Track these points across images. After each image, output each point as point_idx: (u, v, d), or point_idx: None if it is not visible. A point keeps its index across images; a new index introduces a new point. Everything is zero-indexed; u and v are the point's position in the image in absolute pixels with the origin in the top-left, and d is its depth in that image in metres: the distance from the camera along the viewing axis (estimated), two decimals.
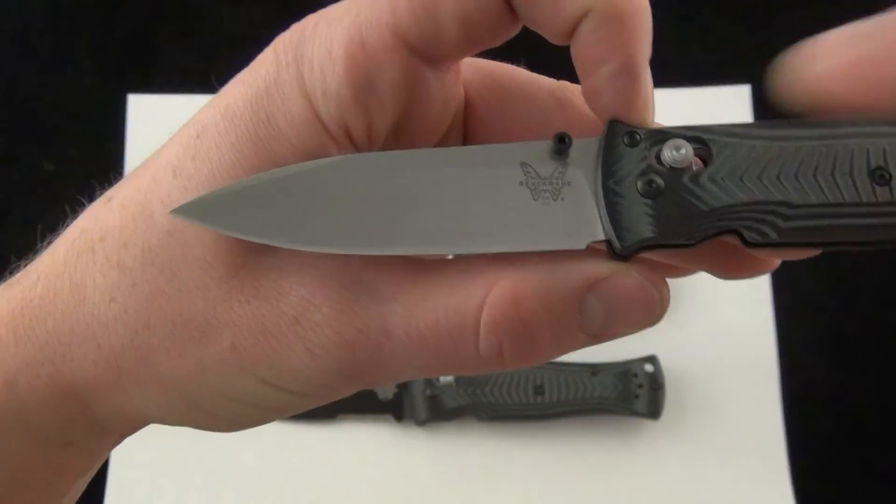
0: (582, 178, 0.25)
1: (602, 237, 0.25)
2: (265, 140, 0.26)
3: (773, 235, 0.24)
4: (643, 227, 0.25)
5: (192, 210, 0.25)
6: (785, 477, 0.68)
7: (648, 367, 0.69)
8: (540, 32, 0.26)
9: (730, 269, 0.29)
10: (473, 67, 0.29)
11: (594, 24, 0.25)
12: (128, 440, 0.30)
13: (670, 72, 0.74)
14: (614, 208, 0.25)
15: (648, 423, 0.70)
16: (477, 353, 0.25)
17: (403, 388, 0.70)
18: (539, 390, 0.69)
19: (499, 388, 0.69)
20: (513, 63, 0.30)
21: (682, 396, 0.70)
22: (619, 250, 0.25)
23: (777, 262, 0.29)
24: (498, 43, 0.27)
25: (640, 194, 0.25)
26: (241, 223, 0.25)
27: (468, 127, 0.30)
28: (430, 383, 0.69)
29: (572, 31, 0.25)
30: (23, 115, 0.82)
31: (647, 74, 0.26)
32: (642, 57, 0.26)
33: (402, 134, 0.27)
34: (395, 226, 0.25)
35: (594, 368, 0.69)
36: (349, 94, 0.25)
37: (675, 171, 0.25)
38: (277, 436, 0.70)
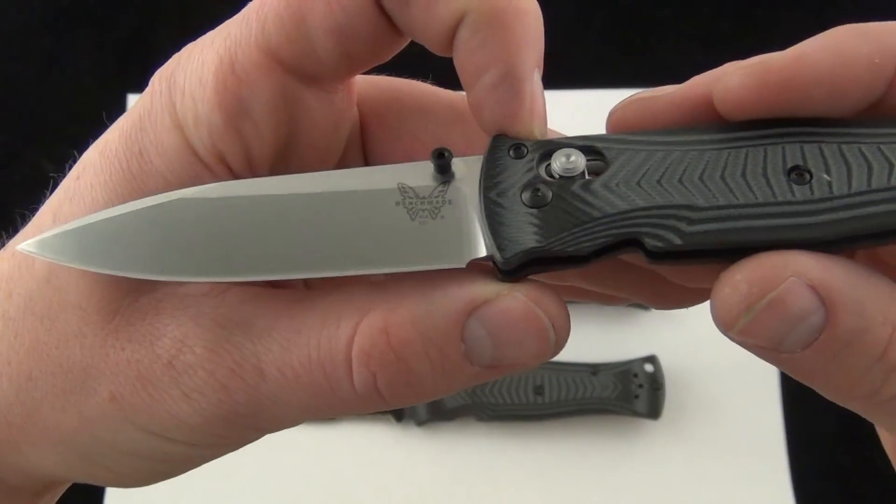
0: (465, 194, 0.24)
1: (484, 254, 0.24)
2: (138, 175, 0.25)
3: (677, 240, 0.23)
4: (527, 236, 0.23)
5: (45, 245, 0.24)
6: (785, 477, 0.68)
7: (648, 367, 0.69)
8: (421, 42, 0.25)
9: (654, 296, 0.28)
10: (369, 84, 0.28)
11: (471, 30, 0.24)
12: None
13: (670, 72, 0.74)
14: (496, 220, 0.24)
15: (648, 423, 0.70)
16: (353, 388, 0.23)
17: None
18: (539, 390, 0.69)
19: (499, 388, 0.69)
20: (421, 78, 0.29)
21: (682, 396, 0.70)
22: (501, 263, 0.23)
23: (701, 299, 0.27)
24: (383, 58, 0.26)
25: (526, 205, 0.24)
26: (93, 257, 0.24)
27: (367, 146, 0.28)
28: None
29: (451, 38, 0.24)
30: (23, 115, 0.82)
31: (532, 83, 0.24)
32: (525, 64, 0.24)
33: (290, 159, 0.26)
34: (267, 250, 0.24)
35: (594, 368, 0.69)
36: (221, 120, 0.24)
37: (565, 181, 0.24)
38: (277, 436, 0.70)
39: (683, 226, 0.23)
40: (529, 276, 0.24)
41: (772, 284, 0.22)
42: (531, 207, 0.24)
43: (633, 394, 0.68)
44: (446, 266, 0.24)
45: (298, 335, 0.24)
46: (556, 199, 0.24)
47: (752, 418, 0.70)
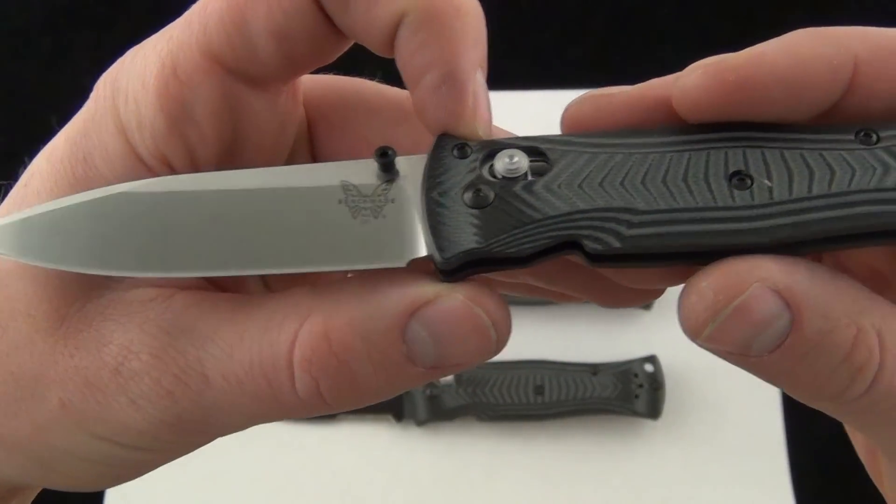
0: (408, 194, 0.24)
1: (425, 254, 0.23)
2: (83, 181, 0.25)
3: (616, 243, 0.23)
4: (467, 237, 0.23)
5: None
6: (785, 477, 0.68)
7: (648, 367, 0.69)
8: (363, 44, 0.25)
9: (603, 296, 0.27)
10: (315, 84, 0.28)
11: (411, 30, 0.23)
12: None
13: (670, 72, 0.74)
14: (437, 220, 0.23)
15: (648, 423, 0.70)
16: (296, 394, 0.23)
17: None
18: (539, 390, 0.69)
19: (499, 388, 0.69)
20: (371, 77, 0.29)
21: (682, 396, 0.70)
22: (441, 263, 0.23)
23: (651, 298, 0.27)
24: (327, 60, 0.26)
25: (467, 205, 0.24)
26: (32, 250, 0.24)
27: (314, 146, 0.28)
28: (429, 383, 0.69)
29: (392, 39, 0.24)
30: (23, 115, 0.82)
31: (475, 82, 0.24)
32: (467, 64, 0.24)
33: (236, 160, 0.26)
34: (207, 246, 0.24)
35: (594, 368, 0.69)
36: (164, 123, 0.24)
37: (507, 182, 0.24)
38: (277, 436, 0.70)
39: (623, 229, 0.23)
40: (472, 277, 0.24)
41: (737, 291, 0.22)
42: (472, 208, 0.23)
43: (633, 394, 0.68)
44: (387, 265, 0.23)
45: (241, 341, 0.23)
46: (498, 200, 0.23)
47: (752, 418, 0.70)
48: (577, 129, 0.25)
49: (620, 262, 0.23)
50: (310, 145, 0.28)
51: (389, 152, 0.24)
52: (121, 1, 0.85)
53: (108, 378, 0.24)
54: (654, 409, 0.68)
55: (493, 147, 0.24)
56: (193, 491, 0.69)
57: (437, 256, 0.23)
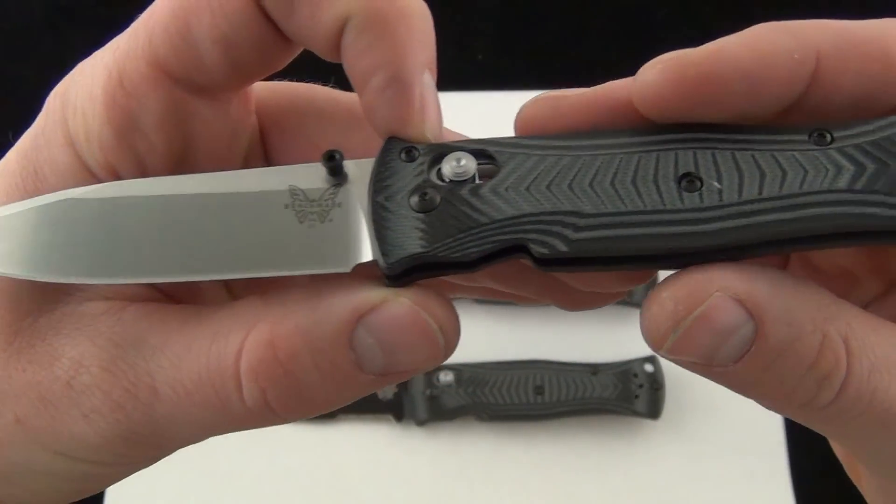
0: (355, 198, 0.24)
1: (370, 258, 0.23)
2: (33, 194, 0.25)
3: (562, 247, 0.22)
4: (412, 241, 0.23)
5: None
6: (785, 477, 0.68)
7: (648, 367, 0.69)
8: (310, 49, 0.25)
9: (561, 298, 0.27)
10: (268, 90, 0.28)
11: (355, 33, 0.23)
12: None
13: None
14: (382, 224, 0.23)
15: (648, 423, 0.70)
16: (244, 404, 0.23)
17: (403, 388, 0.70)
18: (539, 390, 0.69)
19: (499, 388, 0.69)
20: (326, 82, 0.28)
21: (682, 396, 0.70)
22: (385, 269, 0.23)
23: (609, 300, 0.27)
24: (276, 66, 0.26)
25: (413, 209, 0.23)
26: None
27: (268, 153, 0.28)
28: (430, 383, 0.69)
29: (338, 43, 0.24)
30: (23, 115, 0.82)
31: (422, 85, 0.24)
32: (413, 66, 0.24)
33: (187, 170, 0.26)
34: (154, 252, 0.24)
35: (594, 368, 0.69)
36: (111, 134, 0.24)
37: (454, 185, 0.24)
38: (277, 436, 0.70)
39: (570, 232, 0.23)
40: (419, 281, 0.24)
41: (697, 300, 0.22)
42: (418, 212, 0.23)
43: (633, 394, 0.68)
44: (332, 270, 0.23)
45: (189, 352, 0.23)
46: (444, 204, 0.23)
47: (752, 418, 0.70)
48: (530, 132, 0.25)
49: (569, 266, 0.23)
50: (264, 152, 0.28)
51: (336, 156, 0.24)
52: (121, 1, 0.85)
53: (60, 392, 0.24)
54: (654, 409, 0.68)
55: (441, 150, 0.24)
56: (193, 491, 0.69)
57: (381, 261, 0.23)
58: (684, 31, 0.83)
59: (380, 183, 0.24)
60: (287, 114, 0.28)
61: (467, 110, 0.69)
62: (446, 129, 0.26)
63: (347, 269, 0.23)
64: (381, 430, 0.70)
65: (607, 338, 0.71)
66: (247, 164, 0.28)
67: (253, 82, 0.27)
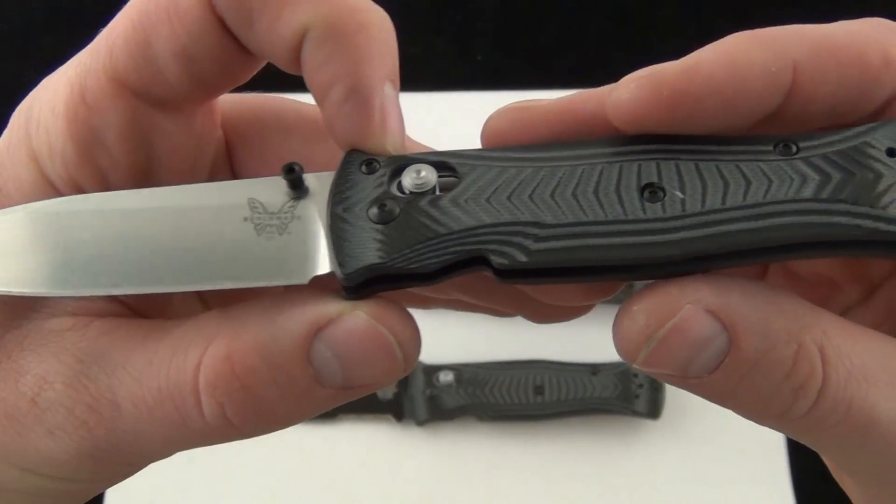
0: (315, 211, 0.24)
1: (327, 270, 0.23)
2: None
3: (522, 258, 0.22)
4: (370, 252, 0.23)
5: None
6: (785, 477, 0.68)
7: None
8: (272, 62, 0.25)
9: (531, 311, 0.27)
10: (233, 103, 0.28)
11: (314, 45, 0.23)
12: None
13: None
14: (340, 236, 0.23)
15: (648, 423, 0.70)
16: (204, 419, 0.23)
17: (403, 388, 0.70)
18: (539, 390, 0.69)
19: (499, 388, 0.69)
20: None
21: (682, 396, 0.70)
22: (342, 280, 0.23)
23: (580, 313, 0.27)
24: (239, 79, 0.26)
25: (372, 221, 0.23)
26: None
27: (234, 167, 0.28)
28: (430, 383, 0.69)
29: (297, 55, 0.23)
30: None
31: (383, 96, 0.24)
32: (372, 77, 0.23)
33: (152, 184, 0.26)
34: (111, 265, 0.24)
35: (594, 368, 0.69)
36: (73, 150, 0.24)
37: (414, 197, 0.23)
38: (277, 436, 0.70)
39: (530, 243, 0.22)
40: (379, 294, 0.23)
41: (669, 313, 0.22)
42: (377, 223, 0.23)
43: (633, 394, 0.68)
44: (289, 282, 0.23)
45: (150, 366, 0.23)
46: (404, 216, 0.23)
47: None
48: (497, 144, 0.25)
49: (529, 279, 0.23)
50: (230, 166, 0.28)
51: (296, 168, 0.24)
52: (120, 1, 0.85)
53: (26, 409, 0.24)
54: (654, 409, 0.68)
55: (402, 162, 0.24)
56: (193, 491, 0.69)
57: (338, 272, 0.23)
58: (684, 31, 0.83)
59: (339, 195, 0.24)
60: (252, 127, 0.28)
61: (467, 110, 0.69)
62: (411, 140, 0.26)
63: (304, 281, 0.23)
64: (381, 430, 0.70)
65: (607, 338, 0.71)
66: (213, 177, 0.28)
67: (216, 96, 0.26)
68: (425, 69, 0.80)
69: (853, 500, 0.27)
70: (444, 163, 0.24)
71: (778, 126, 0.24)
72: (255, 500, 0.69)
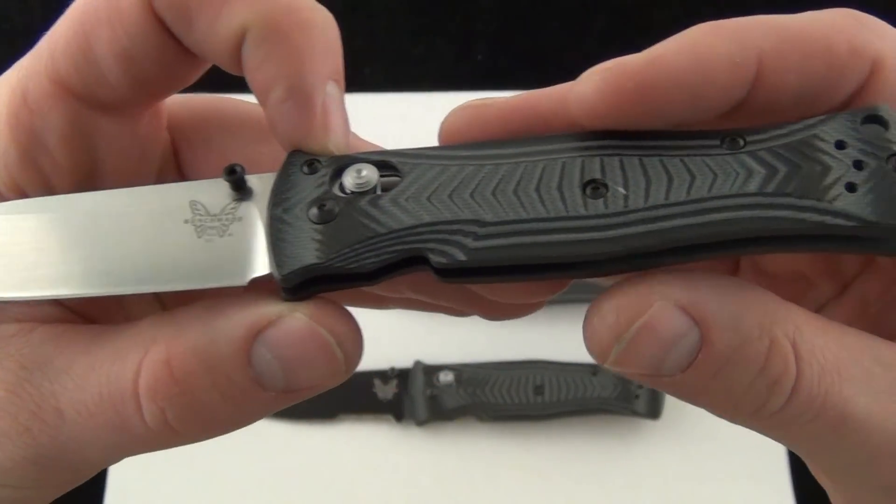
0: (256, 212, 0.24)
1: (266, 271, 0.23)
2: None
3: (461, 256, 0.22)
4: (308, 253, 0.22)
5: None
6: (785, 477, 0.68)
7: None
8: (214, 63, 0.24)
9: (484, 309, 0.26)
10: (180, 104, 0.28)
11: (253, 44, 0.23)
12: None
13: None
14: (278, 237, 0.23)
15: (648, 423, 0.70)
16: (145, 425, 0.23)
17: (403, 388, 0.70)
18: (539, 390, 0.69)
19: (499, 388, 0.69)
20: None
21: None
22: (280, 281, 0.22)
23: (533, 310, 0.26)
24: (184, 81, 0.25)
25: (311, 221, 0.23)
26: None
27: (182, 169, 0.28)
28: (430, 383, 0.69)
29: (238, 55, 0.23)
30: None
31: (325, 95, 0.23)
32: (313, 76, 0.23)
33: (96, 187, 0.25)
34: (49, 269, 0.24)
35: (594, 368, 0.69)
36: (16, 153, 0.24)
37: (355, 196, 0.23)
38: (278, 436, 0.70)
39: (469, 241, 0.22)
40: (321, 294, 0.23)
41: (639, 311, 0.21)
42: (316, 223, 0.23)
43: (633, 394, 0.68)
44: (228, 284, 0.23)
45: (92, 372, 0.23)
46: (343, 215, 0.23)
47: None
48: (455, 142, 0.25)
49: (470, 277, 0.23)
50: (177, 168, 0.28)
51: (237, 170, 0.24)
52: None
53: None
54: (654, 409, 0.68)
55: (343, 162, 0.24)
56: (193, 491, 0.69)
57: (276, 273, 0.22)
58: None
59: (279, 196, 0.23)
60: (199, 128, 0.27)
61: None
62: (361, 139, 0.26)
63: (243, 283, 0.23)
64: (381, 430, 0.70)
65: None
66: (160, 180, 0.27)
67: (161, 98, 0.26)
68: (425, 69, 0.80)
69: (833, 502, 0.26)
70: (385, 162, 0.24)
71: (744, 118, 0.24)
72: (256, 500, 0.69)
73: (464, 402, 0.69)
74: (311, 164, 0.24)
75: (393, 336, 0.71)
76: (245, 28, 0.23)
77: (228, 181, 0.24)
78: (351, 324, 0.23)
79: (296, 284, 0.23)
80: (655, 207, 0.22)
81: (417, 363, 0.71)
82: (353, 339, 0.23)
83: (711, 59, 0.22)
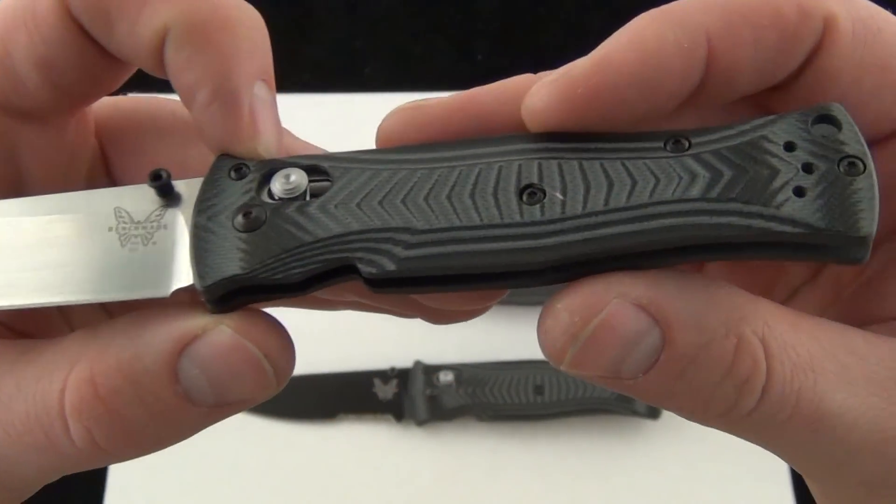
0: (183, 220, 0.23)
1: (189, 282, 0.22)
2: None
3: (391, 266, 0.21)
4: (231, 263, 0.21)
5: None
6: (785, 477, 0.68)
7: None
8: (139, 67, 0.24)
9: (429, 314, 0.25)
10: (109, 106, 0.26)
11: (176, 45, 0.22)
12: None
13: None
14: (202, 246, 0.22)
15: (648, 423, 0.70)
16: (74, 444, 0.22)
17: (403, 388, 0.70)
18: (539, 390, 0.69)
19: (499, 388, 0.69)
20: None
21: None
22: (202, 293, 0.21)
23: (478, 313, 0.25)
24: (108, 87, 0.25)
25: (236, 229, 0.22)
26: None
27: (111, 175, 0.27)
28: (430, 383, 0.69)
29: (161, 57, 0.22)
30: None
31: (253, 97, 0.22)
32: (239, 77, 0.22)
33: (24, 195, 0.25)
34: None
35: None
36: None
37: (283, 203, 0.22)
38: (278, 436, 0.70)
39: (399, 251, 0.21)
40: (249, 306, 0.22)
41: (594, 309, 0.20)
42: (242, 232, 0.22)
43: None
44: (149, 296, 0.22)
45: (19, 391, 0.22)
46: (270, 223, 0.22)
47: None
48: (392, 145, 0.24)
49: (400, 287, 0.22)
50: (106, 174, 0.27)
51: (163, 175, 0.23)
52: None
53: None
54: (654, 409, 0.68)
55: (272, 166, 0.23)
56: (193, 490, 0.69)
57: (198, 285, 0.21)
58: None
59: (204, 202, 0.22)
60: (127, 131, 0.26)
61: None
62: (299, 140, 0.25)
63: (166, 294, 0.22)
64: (381, 430, 0.70)
65: None
66: (89, 188, 0.26)
67: (85, 105, 0.25)
68: (425, 69, 0.80)
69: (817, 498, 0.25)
70: (316, 166, 0.23)
71: (706, 102, 0.23)
72: (256, 500, 0.69)
73: (464, 402, 0.69)
74: (238, 168, 0.23)
75: (393, 336, 0.71)
76: (167, 28, 0.22)
77: (154, 187, 0.23)
78: (280, 335, 0.22)
79: (219, 296, 0.22)
80: (594, 214, 0.21)
81: (417, 363, 0.71)
82: (282, 352, 0.22)
83: (658, 49, 0.22)
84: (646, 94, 0.22)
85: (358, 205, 0.22)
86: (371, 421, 0.70)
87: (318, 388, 0.70)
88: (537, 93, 0.22)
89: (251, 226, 0.22)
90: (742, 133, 0.22)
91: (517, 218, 0.21)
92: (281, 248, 0.22)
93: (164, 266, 0.23)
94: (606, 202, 0.21)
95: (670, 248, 0.21)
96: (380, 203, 0.22)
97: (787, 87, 0.23)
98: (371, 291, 0.22)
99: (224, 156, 0.23)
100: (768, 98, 0.24)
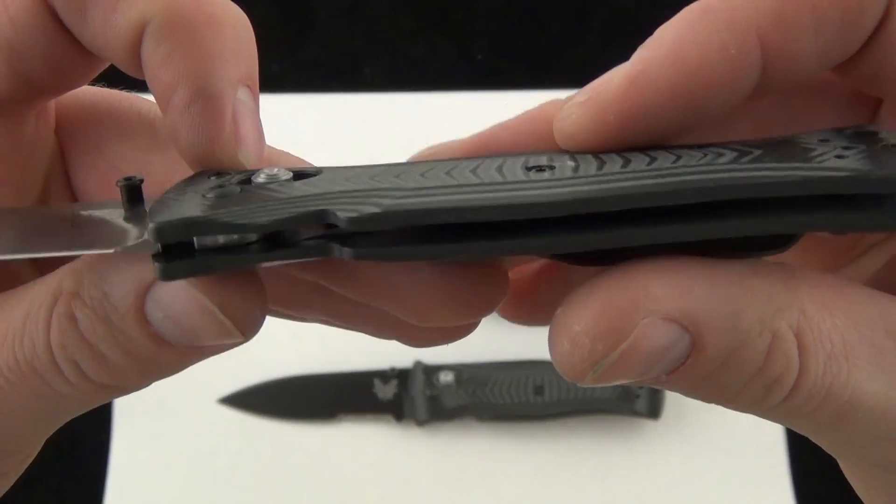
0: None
1: (144, 237, 0.20)
2: None
3: (374, 209, 0.18)
4: (191, 209, 0.19)
5: None
6: (785, 477, 0.68)
7: None
8: (112, 62, 0.22)
9: (410, 334, 0.24)
10: (71, 99, 0.25)
11: (154, 40, 0.20)
12: (128, 440, 0.29)
13: None
14: (163, 205, 0.20)
15: (648, 423, 0.70)
16: (67, 381, 0.21)
17: (403, 388, 0.70)
18: (539, 390, 0.69)
19: (499, 388, 0.69)
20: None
21: (683, 396, 0.70)
22: (153, 234, 0.19)
23: (462, 334, 0.24)
24: (77, 81, 0.23)
25: (204, 196, 0.20)
26: None
27: (71, 177, 0.25)
28: (430, 383, 0.69)
29: (137, 52, 0.21)
30: None
31: (234, 101, 0.21)
32: (222, 79, 0.20)
33: None
34: None
35: None
36: None
37: (263, 185, 0.20)
38: (277, 436, 0.70)
39: (386, 202, 0.19)
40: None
41: (622, 335, 0.18)
42: (211, 198, 0.20)
43: (634, 394, 0.68)
44: (98, 250, 0.21)
45: (4, 339, 0.21)
46: (243, 193, 0.20)
47: (752, 418, 0.69)
48: None
49: (386, 249, 0.19)
50: (64, 172, 0.25)
51: (135, 186, 0.21)
52: None
53: None
54: (654, 409, 0.68)
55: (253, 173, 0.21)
56: (193, 490, 0.69)
57: (150, 229, 0.19)
58: None
59: (171, 189, 0.20)
60: (89, 129, 0.25)
61: (467, 110, 0.69)
62: (281, 151, 0.24)
63: (116, 249, 0.20)
64: (381, 430, 0.70)
65: None
66: (48, 187, 0.25)
67: (48, 99, 0.24)
68: (425, 69, 0.80)
69: (852, 484, 0.24)
70: (302, 172, 0.21)
71: (765, 99, 0.22)
72: (256, 500, 0.69)
73: (464, 402, 0.69)
74: (219, 175, 0.21)
75: None
76: (145, 21, 0.20)
77: (129, 205, 0.21)
78: (237, 287, 0.20)
79: (172, 244, 0.19)
80: (611, 174, 0.19)
81: (417, 363, 0.71)
82: (241, 303, 0.20)
83: (702, 58, 0.20)
84: (689, 111, 0.20)
85: (347, 179, 0.20)
86: (371, 421, 0.70)
87: (318, 388, 0.70)
88: (568, 116, 0.21)
89: (222, 195, 0.20)
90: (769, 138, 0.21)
91: (522, 178, 0.19)
92: (250, 202, 0.19)
93: (116, 229, 0.21)
94: (624, 167, 0.19)
95: (697, 202, 0.18)
96: (370, 178, 0.20)
97: (849, 64, 0.21)
98: (351, 259, 0.19)
99: (203, 173, 0.21)
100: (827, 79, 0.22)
